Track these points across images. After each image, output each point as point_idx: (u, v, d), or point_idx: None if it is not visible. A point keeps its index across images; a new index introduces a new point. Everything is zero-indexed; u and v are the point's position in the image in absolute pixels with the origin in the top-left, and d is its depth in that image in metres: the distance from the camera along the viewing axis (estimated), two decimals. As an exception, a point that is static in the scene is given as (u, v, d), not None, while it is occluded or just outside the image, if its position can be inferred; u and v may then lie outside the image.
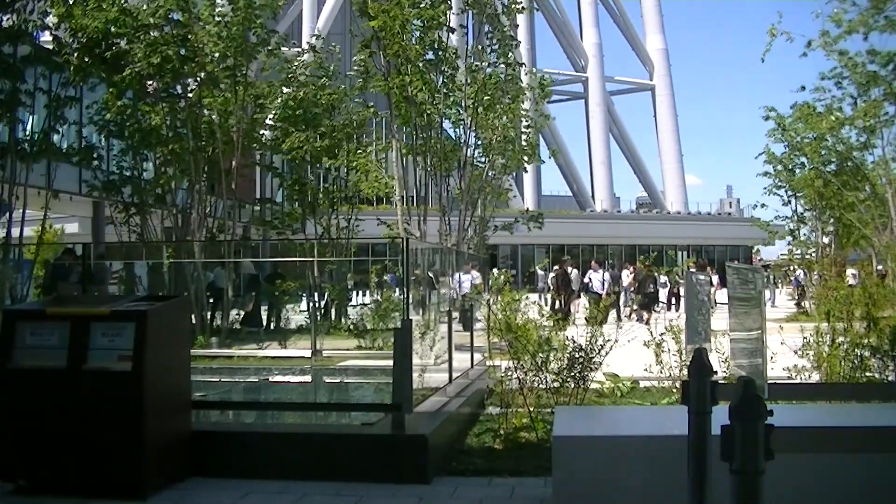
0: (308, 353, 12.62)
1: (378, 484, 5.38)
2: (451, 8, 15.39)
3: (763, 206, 23.56)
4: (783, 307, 25.75)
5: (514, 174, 25.22)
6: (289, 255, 20.45)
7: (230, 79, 16.47)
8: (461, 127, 16.42)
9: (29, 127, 13.73)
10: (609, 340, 7.22)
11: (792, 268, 28.78)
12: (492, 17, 15.65)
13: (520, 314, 7.51)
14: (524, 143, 17.96)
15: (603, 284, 20.87)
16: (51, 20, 14.24)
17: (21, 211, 12.83)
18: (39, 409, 5.21)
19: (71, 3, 14.79)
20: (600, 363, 7.30)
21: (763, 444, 2.60)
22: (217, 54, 16.11)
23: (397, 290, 14.06)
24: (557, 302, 18.57)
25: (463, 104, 15.95)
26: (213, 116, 16.65)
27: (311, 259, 18.53)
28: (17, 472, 5.27)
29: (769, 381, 4.77)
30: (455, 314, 8.28)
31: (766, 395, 2.94)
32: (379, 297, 16.00)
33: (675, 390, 7.80)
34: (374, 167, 19.49)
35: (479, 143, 16.55)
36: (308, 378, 10.56)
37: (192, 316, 14.51)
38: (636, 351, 7.84)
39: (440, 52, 15.23)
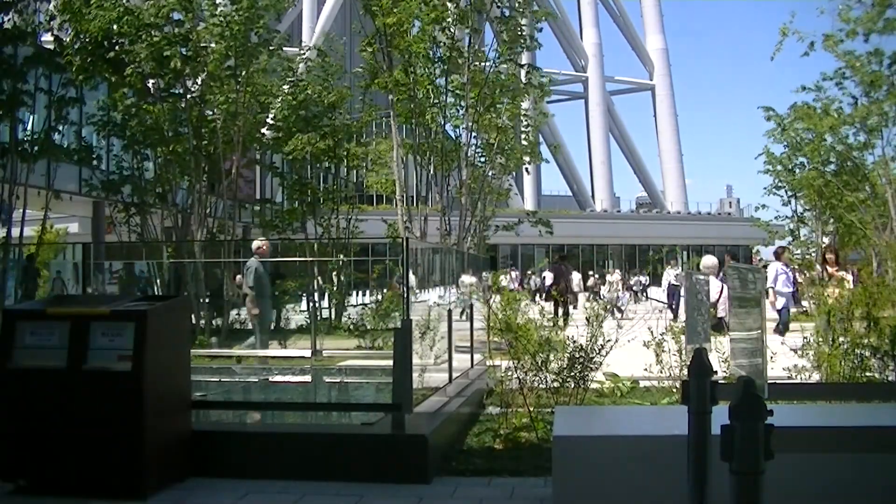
0: (308, 353, 12.61)
1: (378, 484, 5.38)
2: (471, 8, 15.31)
3: (764, 206, 23.48)
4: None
5: (514, 174, 25.24)
6: (289, 255, 20.45)
7: (232, 78, 16.48)
8: (461, 127, 16.43)
9: (30, 127, 13.74)
10: (609, 340, 7.22)
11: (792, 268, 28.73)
12: (504, 19, 15.64)
13: (520, 314, 7.51)
14: (524, 143, 17.97)
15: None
16: (55, 23, 14.29)
17: (21, 211, 12.83)
18: (39, 409, 5.21)
19: (76, 5, 14.81)
20: (600, 363, 7.30)
21: (763, 444, 2.60)
22: (218, 54, 16.12)
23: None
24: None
25: (463, 104, 15.94)
26: (216, 115, 16.66)
27: (311, 259, 18.54)
28: (17, 472, 5.27)
29: (769, 381, 4.76)
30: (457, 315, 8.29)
31: (766, 395, 2.94)
32: (379, 297, 16.03)
33: (675, 390, 7.79)
34: (383, 161, 19.50)
35: (479, 142, 16.56)
36: (308, 378, 10.56)
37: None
38: (636, 351, 7.84)
39: (451, 52, 15.22)
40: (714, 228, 61.41)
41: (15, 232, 12.96)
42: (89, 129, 17.70)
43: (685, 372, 3.63)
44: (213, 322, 16.39)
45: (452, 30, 15.23)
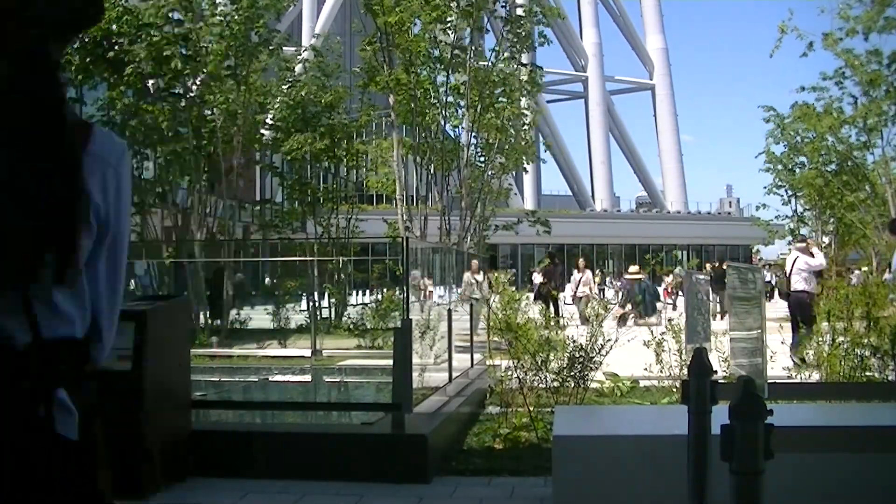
0: (308, 353, 12.63)
1: (378, 484, 5.38)
2: (477, 8, 15.26)
3: (764, 206, 23.51)
4: (783, 307, 25.68)
5: (514, 173, 25.26)
6: (289, 254, 20.47)
7: (231, 78, 16.48)
8: (461, 126, 16.43)
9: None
10: (609, 340, 7.22)
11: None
12: (510, 19, 15.63)
13: (520, 314, 7.51)
14: (522, 142, 17.96)
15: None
16: None
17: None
18: (39, 408, 5.20)
19: None
20: (600, 363, 7.30)
21: (763, 444, 2.60)
22: (218, 54, 16.12)
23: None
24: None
25: (463, 103, 15.94)
26: (215, 115, 16.65)
27: (311, 258, 18.55)
28: (16, 471, 5.27)
29: (769, 381, 4.76)
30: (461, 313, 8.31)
31: (766, 395, 2.94)
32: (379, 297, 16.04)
33: (675, 390, 7.79)
34: (383, 160, 19.50)
35: (479, 142, 16.55)
36: (308, 378, 10.57)
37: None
38: (636, 351, 7.84)
39: (453, 51, 15.21)
40: (714, 228, 61.40)
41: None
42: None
43: (685, 372, 3.63)
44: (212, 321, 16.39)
45: (454, 29, 15.22)
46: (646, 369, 7.89)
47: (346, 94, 19.48)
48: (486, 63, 15.97)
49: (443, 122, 16.07)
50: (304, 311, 17.42)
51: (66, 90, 1.42)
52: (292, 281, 18.98)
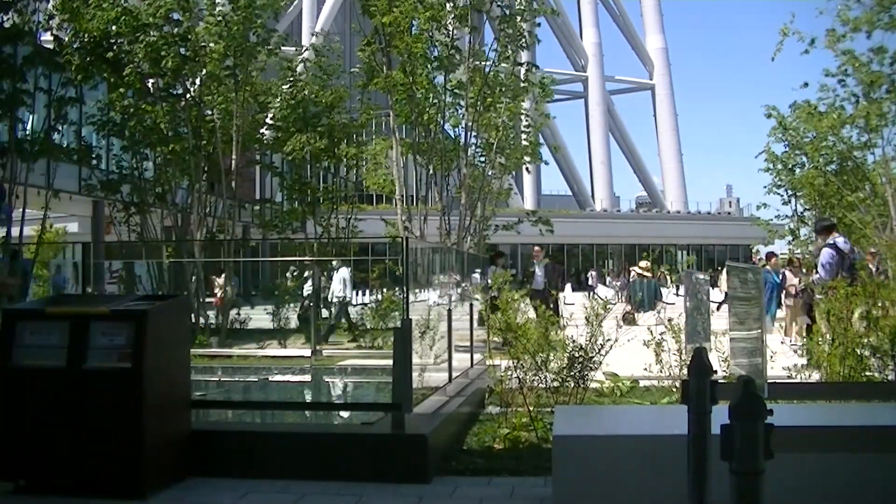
0: (308, 353, 12.64)
1: (378, 483, 5.38)
2: (470, 6, 15.26)
3: (765, 206, 23.43)
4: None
5: (514, 174, 25.25)
6: (289, 254, 20.46)
7: (231, 78, 16.48)
8: (461, 126, 16.41)
9: (29, 126, 13.75)
10: (609, 340, 7.21)
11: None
12: (505, 17, 15.62)
13: (520, 313, 7.51)
14: (525, 143, 17.94)
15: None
16: (54, 22, 14.29)
17: (21, 210, 12.83)
18: (39, 408, 5.20)
19: (75, 4, 14.82)
20: (600, 363, 7.30)
21: (763, 444, 2.60)
22: (217, 54, 16.12)
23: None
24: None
25: (463, 103, 15.93)
26: (215, 115, 16.66)
27: (311, 259, 18.54)
28: (17, 472, 5.27)
29: (769, 381, 4.76)
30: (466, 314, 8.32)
31: (766, 395, 2.94)
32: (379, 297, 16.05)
33: (675, 390, 7.79)
34: (382, 160, 19.49)
35: (479, 142, 16.54)
36: (308, 377, 10.57)
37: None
38: (636, 351, 7.84)
39: (450, 51, 15.20)
40: (714, 228, 61.43)
41: (14, 231, 12.95)
42: (89, 129, 17.71)
43: (685, 371, 3.62)
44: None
45: (450, 29, 15.21)
46: (646, 369, 7.88)
47: (346, 94, 19.47)
48: (485, 62, 15.95)
49: (441, 122, 16.06)
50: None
51: None
52: (292, 281, 18.96)
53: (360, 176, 22.44)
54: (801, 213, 23.83)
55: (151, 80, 16.10)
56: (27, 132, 13.50)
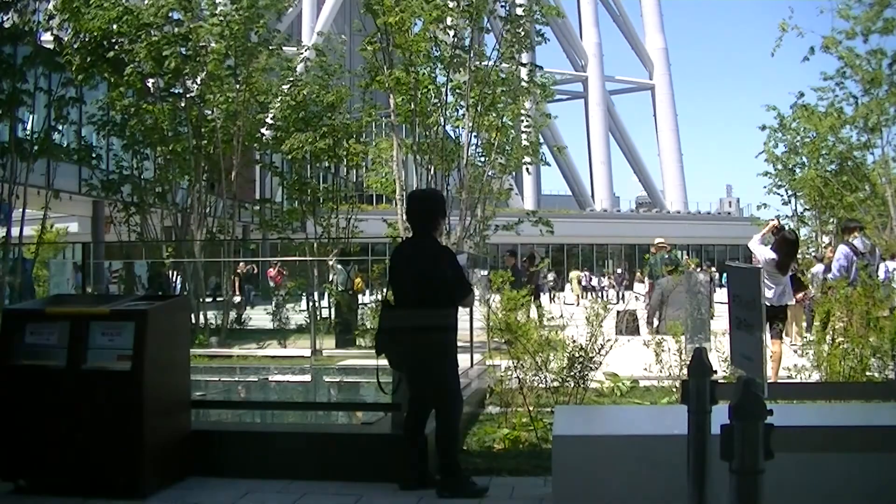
0: (308, 353, 12.63)
1: (378, 484, 5.38)
2: (477, 8, 15.20)
3: (765, 206, 23.45)
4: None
5: (514, 174, 25.22)
6: (289, 254, 20.46)
7: (231, 78, 16.47)
8: (461, 126, 16.41)
9: (29, 126, 13.74)
10: (609, 340, 7.21)
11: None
12: (510, 18, 15.60)
13: (520, 313, 7.51)
14: (525, 143, 17.93)
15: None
16: (55, 22, 14.29)
17: (21, 210, 12.83)
18: (39, 408, 5.21)
19: (75, 4, 14.82)
20: (600, 363, 7.30)
21: (763, 444, 2.60)
22: (218, 54, 16.11)
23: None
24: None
25: (464, 103, 15.92)
26: (216, 115, 16.64)
27: (311, 259, 18.55)
28: (17, 471, 5.27)
29: (769, 381, 4.76)
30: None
31: (766, 395, 2.94)
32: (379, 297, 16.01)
33: (675, 390, 7.79)
34: (382, 160, 19.46)
35: (480, 142, 16.54)
36: (308, 377, 10.56)
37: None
38: (636, 350, 7.84)
39: (453, 51, 15.19)
40: (714, 228, 61.45)
41: (14, 231, 12.95)
42: (89, 129, 17.71)
43: (685, 372, 3.63)
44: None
45: (455, 29, 15.20)
46: (646, 369, 7.88)
47: (347, 94, 19.45)
48: (487, 63, 15.94)
49: (442, 122, 16.05)
50: (303, 311, 17.43)
51: None
52: (292, 280, 18.97)
53: (361, 176, 22.44)
54: (801, 213, 23.82)
55: (152, 80, 16.10)
56: (27, 132, 13.49)
